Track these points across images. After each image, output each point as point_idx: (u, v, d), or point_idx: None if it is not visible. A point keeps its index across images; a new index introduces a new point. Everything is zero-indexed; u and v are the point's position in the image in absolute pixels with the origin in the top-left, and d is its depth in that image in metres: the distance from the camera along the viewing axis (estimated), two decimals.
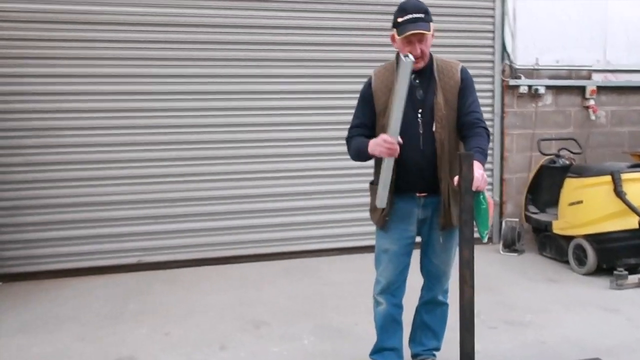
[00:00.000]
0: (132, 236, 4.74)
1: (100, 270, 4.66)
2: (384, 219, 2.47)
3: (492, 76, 5.53)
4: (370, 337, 2.78)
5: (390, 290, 2.57)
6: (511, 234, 5.20)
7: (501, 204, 5.63)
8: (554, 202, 4.91)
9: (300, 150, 5.07)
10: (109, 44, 4.58)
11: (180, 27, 4.71)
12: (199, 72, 4.78)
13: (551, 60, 5.62)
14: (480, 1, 5.38)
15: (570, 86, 5.69)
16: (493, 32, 5.48)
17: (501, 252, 5.19)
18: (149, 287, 4.33)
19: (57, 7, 4.46)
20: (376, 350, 2.70)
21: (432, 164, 2.40)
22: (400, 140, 2.21)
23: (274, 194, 5.03)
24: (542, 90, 5.58)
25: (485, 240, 2.25)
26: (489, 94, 5.52)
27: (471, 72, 2.53)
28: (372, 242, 4.99)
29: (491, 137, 4.55)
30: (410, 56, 2.14)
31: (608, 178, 4.28)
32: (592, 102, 5.71)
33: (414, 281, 2.72)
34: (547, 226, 4.89)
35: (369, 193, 2.62)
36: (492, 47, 5.51)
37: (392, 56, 2.53)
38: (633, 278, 4.11)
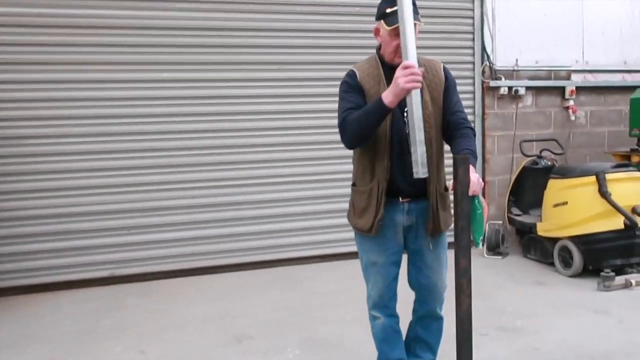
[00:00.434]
0: (104, 248, 4.52)
1: (70, 285, 4.43)
2: (378, 224, 2.27)
3: (473, 77, 5.48)
4: (358, 349, 2.65)
5: (384, 303, 2.43)
6: (495, 237, 5.13)
7: None
8: (537, 203, 4.87)
9: (282, 156, 4.92)
10: (87, 48, 4.40)
11: (161, 30, 4.55)
12: (175, 76, 4.61)
13: (531, 60, 5.59)
14: (459, 2, 5.33)
15: (550, 87, 5.68)
16: (472, 33, 5.43)
17: (485, 255, 5.12)
18: (123, 301, 4.12)
19: (39, 11, 4.26)
20: None
21: None
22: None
23: (254, 201, 4.87)
24: (522, 91, 5.55)
25: (480, 246, 2.14)
26: (470, 95, 5.46)
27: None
28: (355, 248, 4.99)
29: None
30: None
31: (592, 178, 4.24)
32: (571, 103, 5.71)
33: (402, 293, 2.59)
34: (532, 228, 4.84)
35: (349, 198, 2.45)
36: (472, 48, 5.46)
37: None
38: (620, 279, 4.07)
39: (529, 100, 5.66)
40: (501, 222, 5.23)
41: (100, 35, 4.40)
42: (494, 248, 5.13)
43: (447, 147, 2.34)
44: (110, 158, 4.50)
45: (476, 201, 2.02)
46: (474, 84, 5.47)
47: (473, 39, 5.43)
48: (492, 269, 4.72)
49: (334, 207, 5.01)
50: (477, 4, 5.39)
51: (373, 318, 2.49)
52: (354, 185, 2.40)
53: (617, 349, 3.06)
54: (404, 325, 2.57)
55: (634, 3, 5.92)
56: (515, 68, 5.55)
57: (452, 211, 2.14)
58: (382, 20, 2.18)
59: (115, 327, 3.61)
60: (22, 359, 3.16)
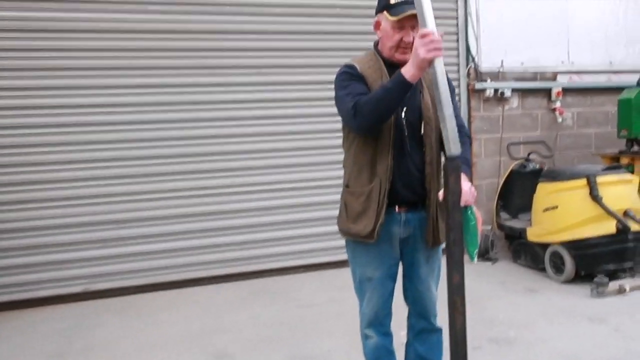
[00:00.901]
0: (77, 262, 4.30)
1: (42, 302, 4.20)
2: (380, 229, 2.06)
3: (458, 79, 5.37)
4: None
5: (379, 320, 2.25)
6: (484, 242, 5.01)
7: None
8: (526, 207, 4.77)
9: (261, 163, 4.74)
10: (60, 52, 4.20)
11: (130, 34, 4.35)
12: (157, 82, 4.43)
13: (516, 62, 5.50)
14: (442, 2, 5.21)
15: (536, 88, 5.59)
16: (457, 34, 5.33)
17: (467, 253, 4.97)
18: (98, 318, 3.91)
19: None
20: None
21: (420, 171, 2.10)
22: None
23: (235, 210, 4.68)
24: (508, 93, 5.46)
25: (475, 261, 1.98)
26: (456, 97, 5.33)
27: None
28: (340, 257, 4.84)
29: None
30: None
31: (583, 182, 4.14)
32: (558, 104, 5.63)
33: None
34: (521, 233, 4.73)
35: (340, 201, 2.25)
36: (457, 49, 5.35)
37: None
38: (614, 285, 3.96)
39: (515, 102, 5.57)
40: (490, 227, 5.11)
41: (81, 40, 4.23)
42: (483, 254, 5.00)
43: None
44: (81, 168, 4.28)
45: (469, 212, 1.88)
46: (459, 86, 5.35)
47: (457, 40, 5.32)
48: (481, 276, 4.58)
49: (318, 215, 4.85)
50: (460, 4, 5.29)
51: (365, 337, 2.31)
52: (347, 186, 2.20)
53: (615, 358, 2.95)
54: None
55: (619, 3, 5.86)
56: (501, 69, 5.44)
57: None
58: (385, 12, 2.03)
59: (89, 347, 3.41)
60: None
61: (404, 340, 2.41)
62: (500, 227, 5.04)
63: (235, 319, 3.79)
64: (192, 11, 4.47)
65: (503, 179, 5.14)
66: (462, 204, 1.84)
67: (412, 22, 1.96)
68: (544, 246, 4.47)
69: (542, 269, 4.52)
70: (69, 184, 4.26)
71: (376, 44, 2.18)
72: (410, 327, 2.38)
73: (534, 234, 4.56)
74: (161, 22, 4.40)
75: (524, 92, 5.57)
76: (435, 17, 1.77)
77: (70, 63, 4.22)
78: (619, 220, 4.00)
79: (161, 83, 4.44)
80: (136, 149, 4.41)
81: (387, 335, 2.31)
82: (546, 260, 4.45)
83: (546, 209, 4.39)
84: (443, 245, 2.12)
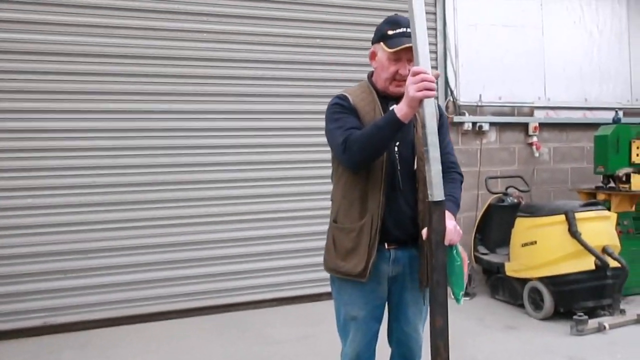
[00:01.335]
0: (36, 294, 4.04)
1: None
2: (373, 267, 1.96)
3: None
4: None
5: None
6: None
7: None
8: (504, 242, 4.72)
9: (230, 193, 4.59)
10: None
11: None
12: (118, 107, 4.28)
13: (494, 96, 5.53)
14: None
15: (514, 123, 5.63)
16: (436, 68, 5.34)
17: (452, 295, 4.88)
18: (57, 355, 3.67)
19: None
20: None
21: (412, 208, 2.01)
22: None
23: (202, 241, 4.50)
24: (486, 127, 5.47)
25: (461, 303, 1.87)
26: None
27: None
28: (315, 290, 4.70)
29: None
30: None
31: (562, 217, 4.11)
32: (535, 139, 5.66)
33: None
34: (499, 268, 4.66)
35: (327, 237, 2.15)
36: (436, 83, 5.32)
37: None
38: (593, 322, 3.90)
39: (493, 136, 5.58)
40: (468, 261, 5.03)
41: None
42: None
43: None
44: (44, 195, 4.08)
45: (454, 252, 1.79)
46: None
47: None
48: (459, 311, 4.37)
49: (291, 247, 4.69)
50: (440, 39, 5.33)
51: None
52: (334, 222, 2.10)
53: None
54: None
55: (592, 42, 5.98)
56: (479, 104, 5.47)
57: None
58: (382, 42, 1.98)
59: None
60: None
61: None
62: (478, 261, 4.98)
63: (202, 355, 3.60)
64: (170, 37, 4.38)
65: (481, 213, 5.09)
66: (447, 243, 1.75)
67: (409, 55, 1.89)
68: (523, 281, 4.41)
69: (521, 305, 4.45)
70: (28, 212, 4.04)
71: (370, 75, 2.12)
72: None
73: (512, 269, 4.50)
74: (135, 47, 4.29)
75: (501, 127, 5.59)
76: None
77: (39, 86, 4.07)
78: (597, 257, 3.97)
79: (135, 109, 4.30)
80: (101, 176, 4.23)
81: None
82: (525, 296, 4.38)
83: (525, 244, 4.34)
84: None
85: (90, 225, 4.19)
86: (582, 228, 4.04)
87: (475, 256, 5.00)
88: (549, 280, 4.14)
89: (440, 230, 1.72)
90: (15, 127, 4.02)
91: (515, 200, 4.98)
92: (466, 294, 4.85)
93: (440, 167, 1.73)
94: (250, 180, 4.64)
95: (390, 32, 1.95)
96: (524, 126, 5.66)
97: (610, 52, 6.06)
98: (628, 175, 4.70)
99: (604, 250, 4.04)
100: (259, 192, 4.66)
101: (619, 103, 6.00)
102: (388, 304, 2.14)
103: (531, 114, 5.69)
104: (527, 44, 5.65)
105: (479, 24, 5.45)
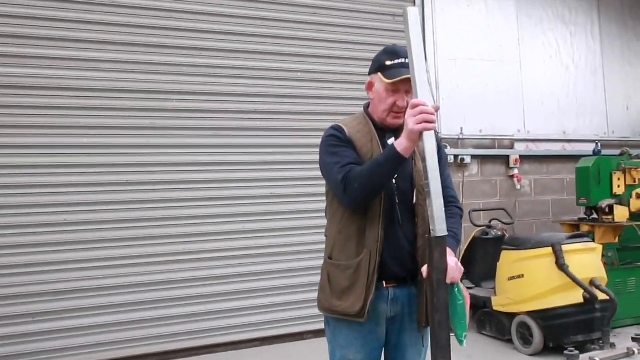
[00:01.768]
0: (1, 340, 3.80)
1: None
2: (371, 305, 1.85)
3: None
4: None
5: None
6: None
7: None
8: (490, 275, 4.65)
9: (209, 229, 4.44)
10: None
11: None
12: (93, 142, 4.15)
13: (475, 129, 5.57)
14: None
15: (495, 155, 5.66)
16: None
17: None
18: None
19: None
20: None
21: (411, 243, 1.92)
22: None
23: (177, 280, 4.32)
24: (468, 159, 5.49)
25: (464, 345, 1.77)
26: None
27: None
28: (300, 328, 4.54)
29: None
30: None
31: (549, 250, 4.07)
32: (516, 171, 5.69)
33: None
34: (486, 302, 4.58)
35: (321, 274, 2.04)
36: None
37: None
38: (584, 357, 3.81)
39: (474, 168, 5.59)
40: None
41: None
42: None
43: None
44: (9, 234, 3.87)
45: (455, 290, 1.70)
46: None
47: None
48: None
49: (273, 285, 4.54)
50: None
51: None
52: (329, 258, 2.00)
53: None
54: None
55: (569, 76, 6.12)
56: (460, 136, 5.49)
57: None
58: (379, 73, 1.92)
59: None
60: None
61: None
62: None
63: None
64: (146, 71, 4.30)
65: (465, 246, 5.04)
66: (448, 281, 1.66)
67: (407, 86, 1.85)
68: (511, 316, 4.33)
69: (509, 340, 4.36)
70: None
71: (367, 107, 2.06)
72: None
73: (499, 304, 4.42)
74: (113, 80, 4.19)
75: (483, 159, 5.61)
76: None
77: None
78: (586, 290, 3.93)
79: (107, 143, 4.17)
80: (74, 213, 4.05)
81: None
82: (513, 331, 4.30)
83: (511, 278, 4.28)
84: None
85: (61, 265, 3.98)
86: (570, 261, 4.00)
87: None
88: (537, 315, 4.07)
89: (441, 268, 1.63)
90: None
91: (499, 233, 4.94)
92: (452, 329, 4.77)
93: (443, 202, 1.66)
94: (227, 216, 4.51)
95: (388, 63, 1.90)
96: (505, 159, 5.69)
97: (586, 85, 6.20)
98: (611, 207, 4.72)
99: (592, 282, 4.00)
100: (234, 229, 4.53)
101: (596, 135, 6.10)
102: (385, 345, 2.02)
103: (512, 147, 5.73)
104: (506, 78, 5.74)
105: (459, 58, 5.52)
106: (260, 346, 4.48)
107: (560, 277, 3.99)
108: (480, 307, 4.72)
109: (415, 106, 1.65)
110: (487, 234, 4.96)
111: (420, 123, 1.64)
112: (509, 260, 4.36)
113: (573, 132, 6.05)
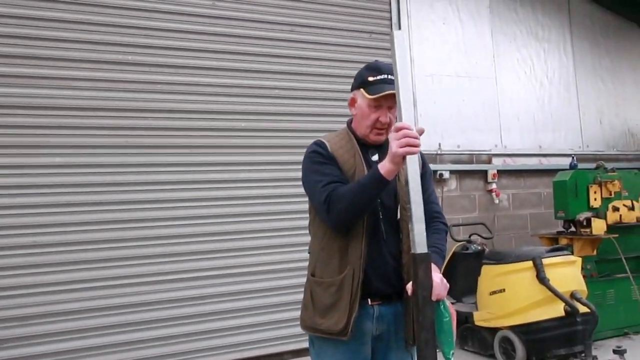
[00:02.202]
0: None
1: None
2: (355, 323, 1.81)
3: None
4: None
5: None
6: None
7: None
8: (470, 290, 4.65)
9: (182, 249, 4.33)
10: None
11: None
12: (67, 161, 4.04)
13: (453, 145, 5.61)
14: None
15: (473, 170, 5.70)
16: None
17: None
18: None
19: None
20: None
21: (396, 259, 1.89)
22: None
23: (150, 302, 4.19)
24: (446, 175, 5.52)
25: None
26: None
27: None
28: (279, 348, 4.43)
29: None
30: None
31: (529, 264, 4.09)
32: (494, 186, 5.74)
33: None
34: (468, 317, 4.56)
35: (304, 292, 1.99)
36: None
37: None
38: None
39: (453, 184, 5.61)
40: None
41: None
42: None
43: None
44: None
45: (441, 307, 1.67)
46: None
47: None
48: None
49: (250, 304, 4.41)
50: None
51: None
52: (312, 275, 1.96)
53: None
54: None
55: (544, 92, 6.23)
56: (439, 152, 5.53)
57: None
58: (362, 89, 1.90)
59: None
60: None
61: None
62: None
63: None
64: (120, 89, 4.23)
65: (445, 261, 5.03)
66: (434, 298, 1.63)
67: (389, 102, 1.84)
68: (493, 331, 4.32)
69: (492, 355, 4.34)
70: None
71: (350, 122, 2.05)
72: None
73: (481, 318, 4.41)
74: (87, 99, 4.12)
75: (461, 174, 5.65)
76: None
77: None
78: (567, 303, 3.95)
79: (84, 163, 4.08)
80: (44, 234, 3.92)
81: None
82: (495, 346, 4.29)
83: (493, 292, 4.28)
84: None
85: (30, 289, 3.84)
86: (550, 274, 4.02)
87: None
88: (519, 329, 4.07)
89: (427, 285, 1.60)
90: None
91: (479, 248, 4.95)
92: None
93: (424, 226, 1.65)
94: (205, 235, 4.42)
95: (370, 79, 1.89)
96: (483, 173, 5.74)
97: (560, 101, 6.32)
98: (589, 220, 4.77)
99: (573, 295, 4.02)
100: (210, 248, 4.43)
101: (571, 149, 6.21)
102: None
103: (489, 162, 5.78)
104: (483, 94, 5.82)
105: (436, 74, 5.58)
106: None
107: (541, 290, 4.00)
108: (462, 323, 4.68)
109: (398, 129, 1.64)
110: (467, 248, 4.96)
111: (404, 147, 1.63)
112: (489, 275, 4.37)
113: (549, 146, 6.15)
